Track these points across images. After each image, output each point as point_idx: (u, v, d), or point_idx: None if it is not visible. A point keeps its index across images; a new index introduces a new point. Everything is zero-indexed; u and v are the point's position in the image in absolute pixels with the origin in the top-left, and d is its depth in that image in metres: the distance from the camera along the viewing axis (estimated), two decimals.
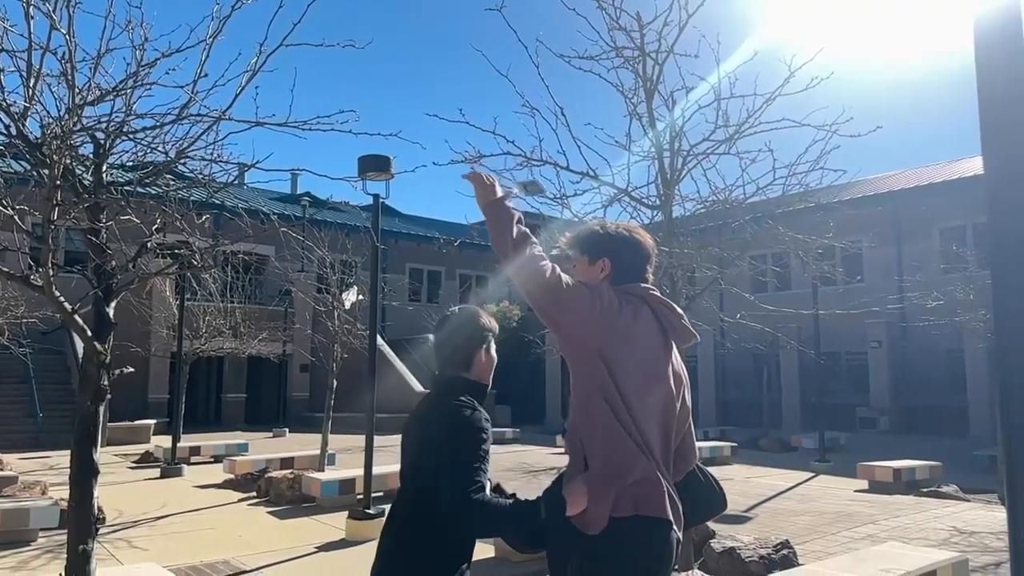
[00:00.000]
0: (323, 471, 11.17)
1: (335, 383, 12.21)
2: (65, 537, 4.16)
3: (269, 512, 9.18)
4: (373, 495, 7.90)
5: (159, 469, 12.70)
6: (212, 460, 14.15)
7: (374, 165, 7.58)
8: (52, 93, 3.88)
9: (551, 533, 2.11)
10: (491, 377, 2.38)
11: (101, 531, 6.72)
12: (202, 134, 4.25)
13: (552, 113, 5.83)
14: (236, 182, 4.81)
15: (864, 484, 11.58)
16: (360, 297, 12.68)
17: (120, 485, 11.11)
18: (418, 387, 23.52)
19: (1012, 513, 1.70)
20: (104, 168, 4.16)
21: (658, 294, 2.33)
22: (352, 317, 12.64)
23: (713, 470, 2.52)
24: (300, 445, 16.29)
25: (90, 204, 4.06)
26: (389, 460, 10.69)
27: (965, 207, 20.38)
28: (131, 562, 6.38)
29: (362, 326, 12.33)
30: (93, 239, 4.09)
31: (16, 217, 3.82)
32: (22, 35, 3.58)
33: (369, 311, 8.71)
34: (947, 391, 21.54)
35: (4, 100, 3.62)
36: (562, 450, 8.81)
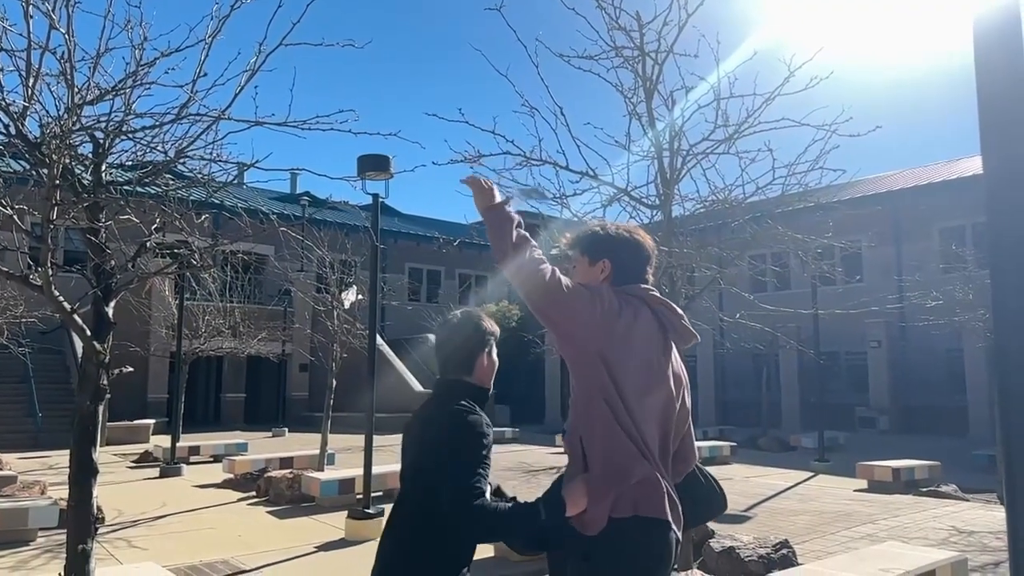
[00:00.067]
0: (322, 471, 11.17)
1: (334, 383, 12.21)
2: (64, 537, 4.16)
3: (268, 512, 9.18)
4: (373, 495, 7.91)
5: (158, 469, 12.69)
6: (211, 460, 14.15)
7: (373, 165, 7.58)
8: (51, 92, 3.89)
9: (551, 534, 2.11)
10: (492, 381, 2.38)
11: (100, 531, 6.72)
12: (201, 133, 4.25)
13: (551, 113, 5.83)
14: (235, 181, 4.82)
15: (863, 484, 11.58)
16: (359, 297, 12.68)
17: (119, 485, 11.11)
18: (417, 387, 23.53)
19: (1011, 512, 1.70)
20: (103, 167, 4.16)
21: (658, 295, 2.33)
22: (351, 317, 12.64)
23: (712, 470, 2.52)
24: (299, 445, 16.29)
25: (89, 203, 4.06)
26: (389, 460, 10.69)
27: (964, 207, 20.40)
28: (130, 562, 6.37)
29: (361, 326, 12.33)
30: (92, 239, 4.09)
31: (15, 216, 3.82)
32: (21, 34, 3.58)
33: (368, 311, 8.71)
34: (946, 391, 21.55)
35: (3, 99, 3.62)
36: (561, 450, 8.82)
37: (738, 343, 13.48)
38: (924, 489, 10.96)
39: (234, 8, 3.98)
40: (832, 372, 23.05)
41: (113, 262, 4.21)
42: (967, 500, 10.38)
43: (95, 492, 4.09)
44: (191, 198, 5.01)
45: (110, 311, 4.19)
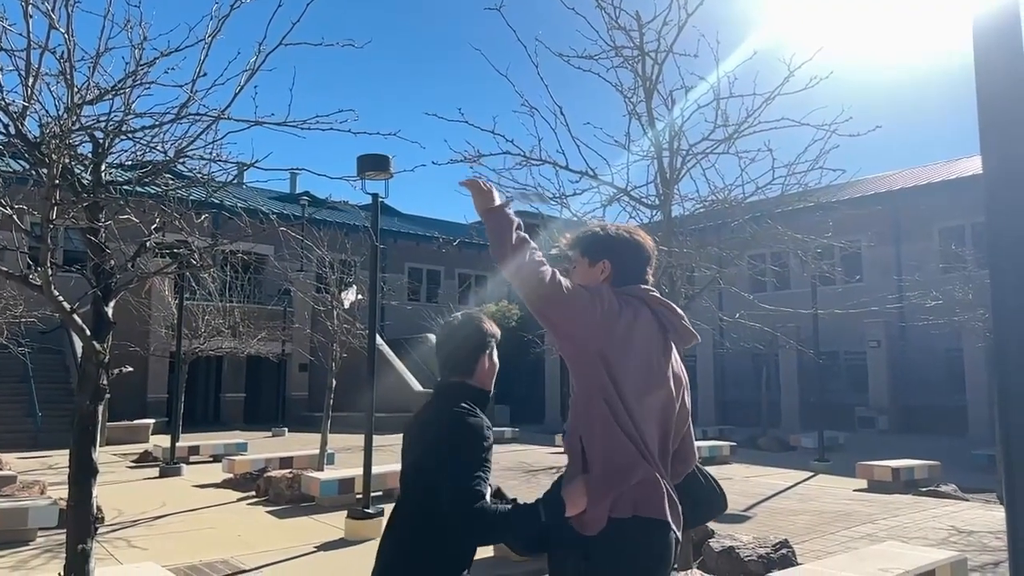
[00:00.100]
0: (322, 470, 11.17)
1: (334, 382, 12.21)
2: (64, 536, 4.16)
3: (268, 511, 9.18)
4: (372, 494, 7.91)
5: (158, 468, 12.69)
6: (211, 459, 14.15)
7: (373, 164, 7.58)
8: (51, 92, 3.89)
9: (551, 534, 2.11)
10: (493, 383, 2.38)
11: (100, 530, 6.72)
12: (201, 133, 4.25)
13: (551, 112, 5.83)
14: (235, 181, 4.81)
15: (863, 483, 11.59)
16: (359, 296, 12.68)
17: (119, 484, 11.11)
18: (417, 386, 23.52)
19: (1010, 512, 1.70)
20: (103, 167, 4.16)
21: (658, 295, 2.33)
22: (351, 316, 12.64)
23: (712, 469, 2.52)
24: (299, 444, 16.30)
25: (89, 203, 4.06)
26: (388, 459, 10.69)
27: (964, 207, 20.40)
28: (130, 561, 6.37)
29: (361, 325, 12.32)
30: (92, 238, 4.09)
31: (15, 216, 3.81)
32: (21, 34, 3.57)
33: (368, 310, 8.71)
34: (946, 390, 21.56)
35: (3, 99, 3.62)
36: (561, 450, 8.82)
37: (738, 343, 13.49)
38: (924, 489, 10.97)
39: (234, 8, 3.98)
40: (832, 372, 23.06)
41: (113, 262, 4.21)
42: (967, 500, 10.38)
43: (95, 492, 4.09)
44: (191, 198, 5.00)
45: (110, 311, 4.19)
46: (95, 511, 4.17)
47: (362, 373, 8.72)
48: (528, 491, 9.42)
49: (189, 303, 16.24)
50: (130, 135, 4.22)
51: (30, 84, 3.60)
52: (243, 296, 21.30)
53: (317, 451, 12.25)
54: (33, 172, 4.05)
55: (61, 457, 13.31)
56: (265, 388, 26.13)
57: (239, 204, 5.24)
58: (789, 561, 5.99)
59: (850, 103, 5.68)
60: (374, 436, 8.00)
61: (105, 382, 4.10)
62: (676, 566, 2.50)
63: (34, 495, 8.96)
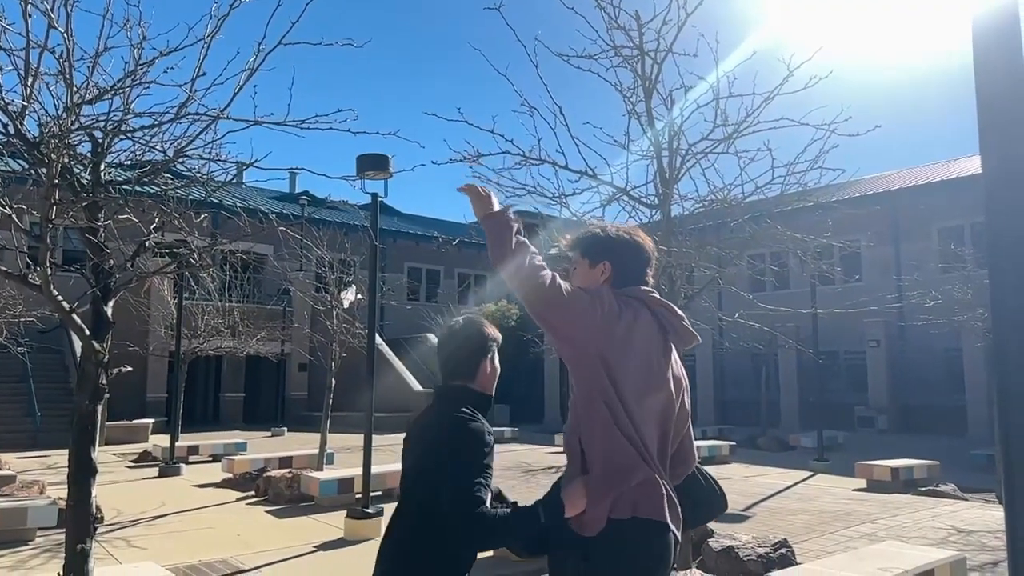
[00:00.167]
0: (322, 470, 11.17)
1: (333, 382, 12.20)
2: (63, 536, 4.16)
3: (267, 511, 9.18)
4: (372, 494, 7.90)
5: (157, 468, 12.68)
6: (210, 459, 14.14)
7: (373, 164, 7.58)
8: (50, 92, 3.88)
9: (551, 534, 2.11)
10: (495, 387, 2.38)
11: (99, 530, 6.73)
12: (200, 133, 4.25)
13: (551, 112, 5.85)
14: (234, 181, 4.81)
15: (862, 483, 11.59)
16: (359, 296, 12.67)
17: (118, 484, 11.10)
18: (417, 386, 23.52)
19: (1010, 512, 1.70)
20: (102, 167, 4.16)
21: (658, 296, 2.33)
22: (350, 316, 12.63)
23: (711, 469, 2.52)
24: (299, 444, 16.29)
25: (88, 203, 4.06)
26: (388, 459, 10.69)
27: (963, 206, 20.41)
28: (129, 561, 6.37)
29: (360, 325, 12.32)
30: (91, 238, 4.09)
31: (14, 216, 3.81)
32: (20, 34, 3.57)
33: (368, 310, 8.70)
34: (945, 390, 21.57)
35: (2, 99, 3.62)
36: (561, 450, 8.82)
37: (737, 342, 13.51)
38: (923, 488, 10.97)
39: (233, 7, 3.98)
40: (831, 371, 23.07)
41: (112, 261, 4.21)
42: (966, 499, 10.39)
43: (94, 492, 4.09)
44: (190, 197, 5.01)
45: (109, 310, 4.19)
46: (94, 511, 4.16)
47: (361, 373, 8.72)
48: (528, 491, 9.42)
49: (188, 303, 16.23)
50: (129, 135, 4.22)
51: (29, 84, 3.60)
52: (242, 296, 21.28)
53: (316, 451, 12.24)
54: (32, 172, 4.05)
55: (60, 457, 13.30)
56: (264, 388, 26.12)
57: (238, 204, 5.24)
58: (788, 561, 6.00)
59: (849, 103, 5.69)
60: (373, 436, 7.99)
61: (104, 382, 4.10)
62: (676, 566, 2.50)
63: (33, 495, 8.96)
